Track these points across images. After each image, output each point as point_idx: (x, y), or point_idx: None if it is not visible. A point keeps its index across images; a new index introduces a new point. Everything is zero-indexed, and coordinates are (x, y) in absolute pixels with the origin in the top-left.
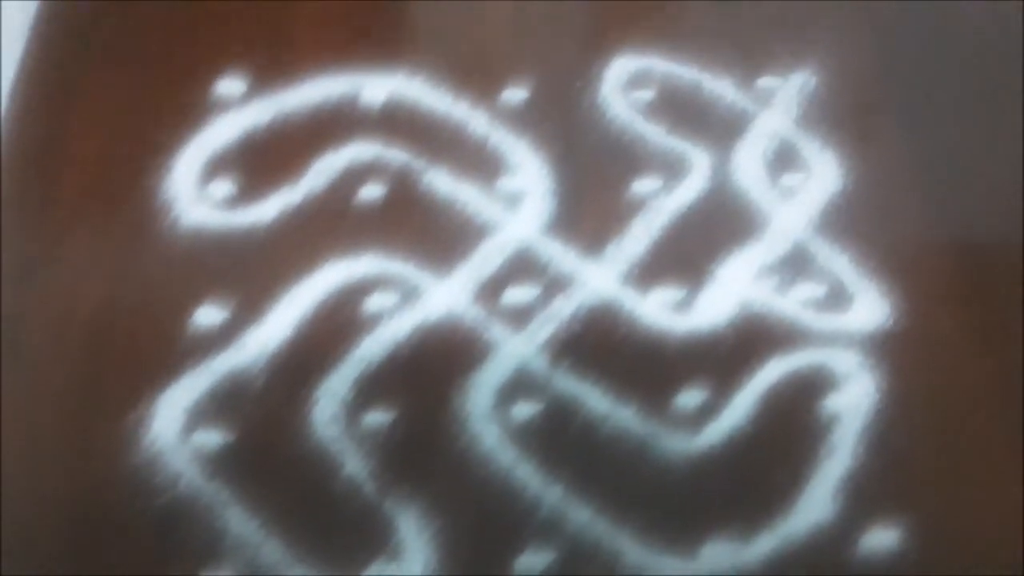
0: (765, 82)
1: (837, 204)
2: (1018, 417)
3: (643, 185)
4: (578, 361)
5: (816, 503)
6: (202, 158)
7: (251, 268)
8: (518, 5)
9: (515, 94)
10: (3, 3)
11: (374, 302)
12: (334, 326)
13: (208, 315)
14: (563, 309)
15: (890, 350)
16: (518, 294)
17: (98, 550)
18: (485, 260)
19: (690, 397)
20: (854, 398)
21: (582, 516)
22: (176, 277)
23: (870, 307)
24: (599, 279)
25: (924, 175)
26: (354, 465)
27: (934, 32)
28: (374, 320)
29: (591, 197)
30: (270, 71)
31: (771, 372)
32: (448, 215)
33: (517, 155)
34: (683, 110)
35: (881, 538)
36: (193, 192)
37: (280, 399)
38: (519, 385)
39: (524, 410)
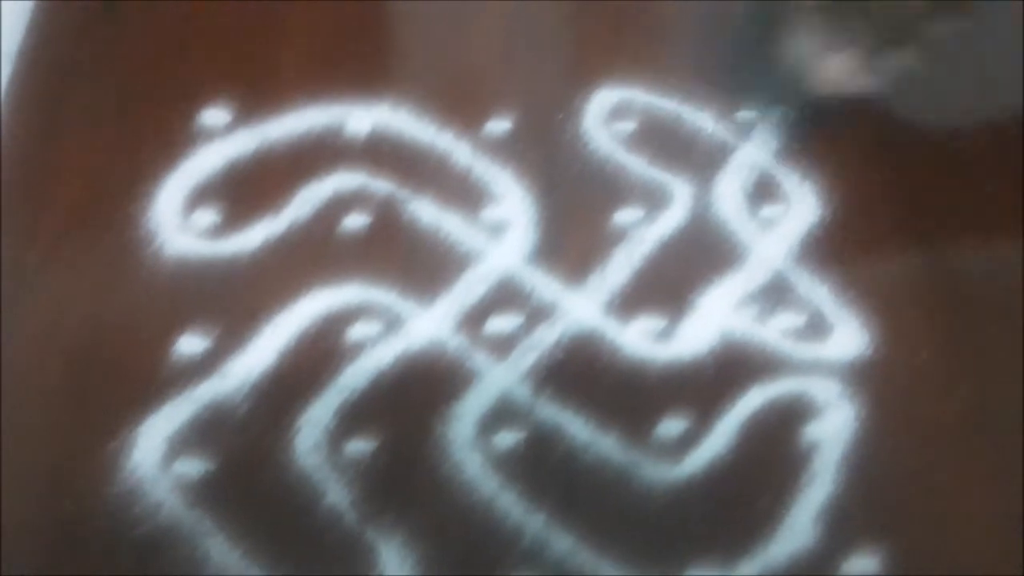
0: (744, 115)
1: (816, 235)
2: (996, 445)
3: (625, 215)
4: (560, 390)
5: (797, 530)
6: (186, 187)
7: (234, 297)
8: (502, 38)
9: (499, 125)
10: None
11: (357, 331)
12: (317, 355)
13: (191, 344)
14: (546, 338)
15: (869, 379)
16: (501, 323)
17: None
18: (468, 289)
19: (671, 426)
20: (834, 426)
21: (564, 544)
22: (159, 306)
23: (849, 336)
24: (582, 308)
25: (902, 206)
26: (336, 493)
27: (912, 61)
28: (357, 349)
29: (574, 227)
30: (255, 101)
31: (751, 401)
32: (432, 244)
33: (500, 185)
34: (664, 141)
35: (862, 564)
36: (177, 221)
37: (262, 427)
38: (502, 414)
39: (506, 438)
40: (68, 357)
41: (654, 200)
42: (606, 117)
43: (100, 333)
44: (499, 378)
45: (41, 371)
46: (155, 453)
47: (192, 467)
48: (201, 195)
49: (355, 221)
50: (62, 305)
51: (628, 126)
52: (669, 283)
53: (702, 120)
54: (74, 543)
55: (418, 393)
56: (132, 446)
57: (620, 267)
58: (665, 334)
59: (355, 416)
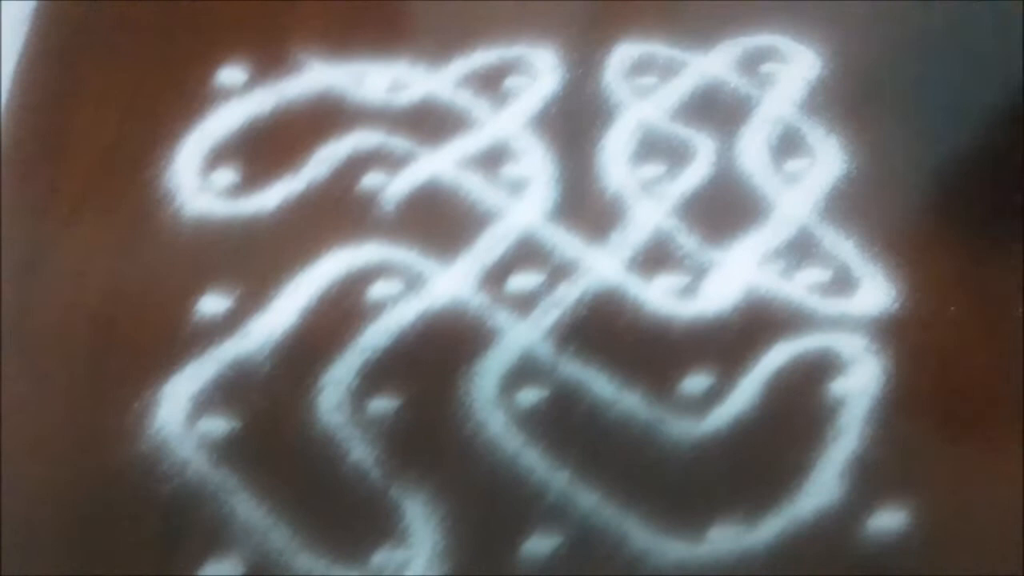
0: (768, 67)
1: (842, 189)
2: (1022, 399)
3: (648, 171)
4: (584, 347)
5: (823, 486)
6: (204, 148)
7: (255, 257)
8: None
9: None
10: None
11: (378, 290)
12: (338, 314)
13: (212, 303)
14: (568, 295)
15: (896, 334)
16: (523, 280)
17: (105, 537)
18: (489, 247)
19: (696, 382)
20: (860, 381)
21: (589, 500)
22: (179, 266)
23: (876, 291)
24: (604, 265)
25: (928, 158)
26: (360, 451)
27: (939, 17)
28: (378, 308)
29: (595, 183)
30: (272, 60)
31: (777, 356)
32: (452, 202)
33: (520, 142)
34: (687, 96)
35: (888, 520)
36: (195, 182)
37: (285, 386)
38: (525, 371)
39: (530, 396)
40: (91, 318)
41: (677, 155)
42: (627, 72)
43: (122, 294)
44: (521, 336)
45: (65, 333)
46: (180, 412)
47: (216, 426)
48: (220, 155)
49: (374, 180)
50: (84, 267)
51: (650, 80)
52: (692, 239)
53: (725, 74)
54: (101, 502)
55: (440, 351)
56: (157, 405)
57: (643, 223)
58: (689, 290)
59: (378, 375)
